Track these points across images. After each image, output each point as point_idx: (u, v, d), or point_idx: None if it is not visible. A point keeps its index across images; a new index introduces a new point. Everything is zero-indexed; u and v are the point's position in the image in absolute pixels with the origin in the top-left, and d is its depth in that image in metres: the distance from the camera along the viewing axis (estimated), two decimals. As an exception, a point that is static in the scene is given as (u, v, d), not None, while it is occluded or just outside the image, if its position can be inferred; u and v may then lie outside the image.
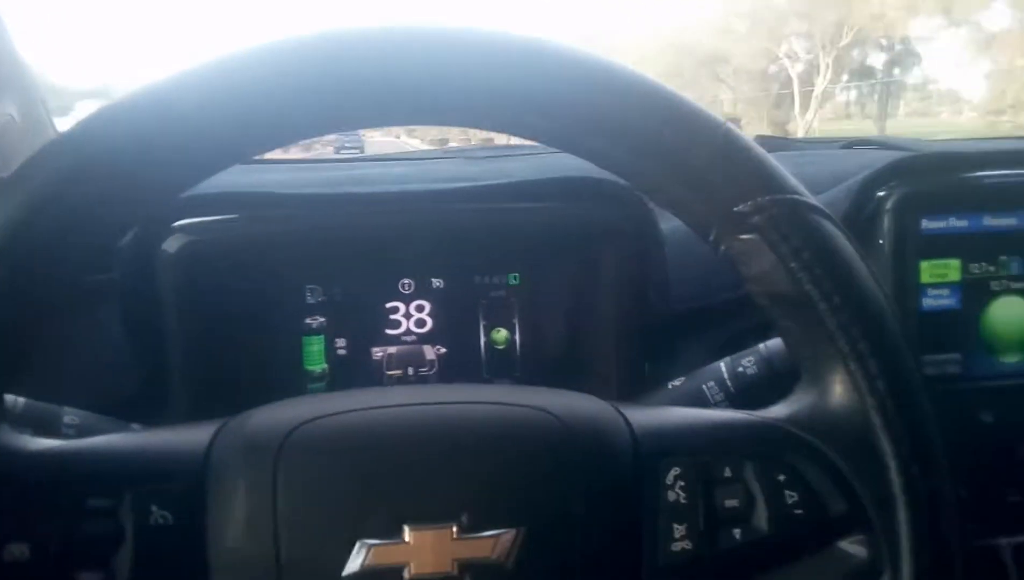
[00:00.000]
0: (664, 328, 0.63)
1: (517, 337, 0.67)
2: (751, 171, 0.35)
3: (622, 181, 0.62)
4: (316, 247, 0.63)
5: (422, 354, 0.66)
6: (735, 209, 0.34)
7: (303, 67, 0.33)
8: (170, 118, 0.32)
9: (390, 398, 0.38)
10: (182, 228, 0.58)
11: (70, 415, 0.46)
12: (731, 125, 0.36)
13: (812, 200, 0.36)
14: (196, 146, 0.33)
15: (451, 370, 0.67)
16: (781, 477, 0.36)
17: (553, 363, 0.67)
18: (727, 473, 0.36)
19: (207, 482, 0.34)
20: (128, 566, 0.33)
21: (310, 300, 0.65)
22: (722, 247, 0.36)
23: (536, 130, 0.36)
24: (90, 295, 0.58)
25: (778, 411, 0.38)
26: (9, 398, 0.44)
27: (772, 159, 0.36)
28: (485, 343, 0.67)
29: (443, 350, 0.67)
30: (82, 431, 0.46)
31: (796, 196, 0.35)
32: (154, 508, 0.33)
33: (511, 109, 0.35)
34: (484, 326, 0.67)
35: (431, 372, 0.67)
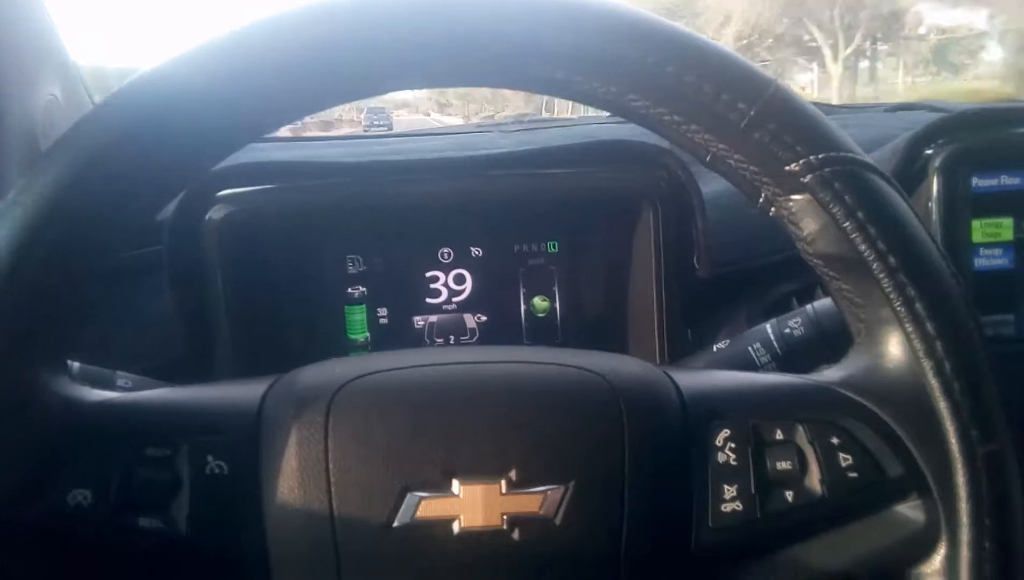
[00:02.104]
0: (706, 292, 0.62)
1: (557, 304, 0.67)
2: (802, 130, 0.34)
3: (661, 144, 0.62)
4: (357, 217, 0.63)
5: (463, 322, 0.67)
6: (786, 169, 0.33)
7: (344, 28, 0.33)
8: (208, 82, 0.32)
9: (440, 357, 0.38)
10: (226, 198, 0.59)
11: (123, 378, 0.47)
12: (781, 83, 0.35)
13: (866, 158, 0.34)
14: (234, 110, 0.33)
15: (491, 338, 0.67)
16: (835, 440, 0.35)
17: (594, 329, 0.66)
18: (778, 436, 0.36)
19: (260, 434, 0.35)
20: (185, 512, 0.33)
21: (352, 270, 0.65)
22: (772, 209, 0.35)
23: (575, 89, 0.36)
24: (138, 265, 0.59)
25: (831, 374, 0.38)
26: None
27: (824, 117, 0.35)
28: (525, 311, 0.67)
29: (483, 318, 0.67)
30: (135, 390, 0.47)
31: (849, 154, 0.34)
32: (210, 458, 0.34)
33: (550, 68, 0.34)
34: (524, 294, 0.67)
35: (472, 340, 0.67)
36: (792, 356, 0.50)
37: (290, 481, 0.34)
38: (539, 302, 0.67)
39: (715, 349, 0.53)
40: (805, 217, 0.34)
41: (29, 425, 0.32)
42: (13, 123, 0.66)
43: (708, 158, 0.35)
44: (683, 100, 0.34)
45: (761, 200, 0.35)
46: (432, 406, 0.35)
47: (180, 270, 0.59)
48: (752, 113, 0.33)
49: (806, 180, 0.33)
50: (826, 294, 0.61)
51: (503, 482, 0.34)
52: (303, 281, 0.64)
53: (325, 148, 0.84)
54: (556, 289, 0.67)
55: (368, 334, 0.66)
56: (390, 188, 0.62)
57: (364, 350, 0.66)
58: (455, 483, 0.34)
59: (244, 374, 0.59)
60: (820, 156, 0.33)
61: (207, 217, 0.58)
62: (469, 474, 0.34)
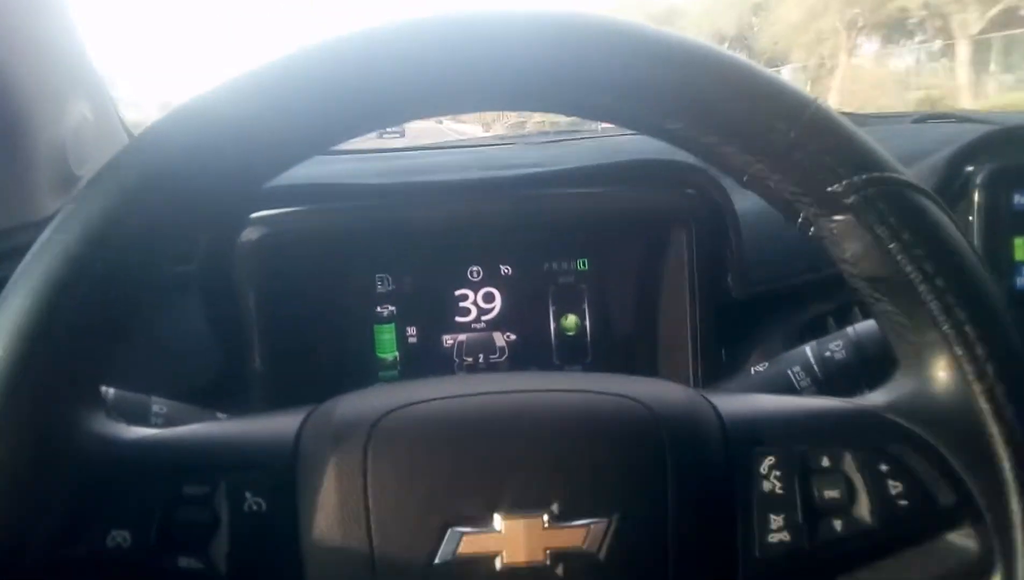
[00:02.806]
0: (740, 312, 0.62)
1: (587, 323, 0.66)
2: (844, 149, 0.33)
3: (695, 162, 0.62)
4: (386, 237, 0.63)
5: (492, 341, 0.66)
6: (827, 190, 0.33)
7: (386, 55, 0.32)
8: (258, 108, 0.32)
9: (476, 386, 0.38)
10: (259, 220, 0.59)
11: (158, 404, 0.47)
12: (821, 101, 0.34)
13: (909, 177, 0.34)
14: (281, 136, 0.33)
15: (521, 357, 0.67)
16: (883, 467, 0.34)
17: (625, 349, 0.66)
18: (825, 463, 0.35)
19: (297, 469, 0.34)
20: (224, 551, 0.33)
21: (381, 289, 0.65)
22: (812, 228, 0.35)
23: (613, 113, 0.35)
24: (172, 286, 0.59)
25: (876, 398, 0.37)
26: (101, 389, 0.45)
27: (865, 136, 0.34)
28: (555, 329, 0.66)
29: (513, 337, 0.66)
30: (170, 420, 0.47)
31: (893, 174, 0.33)
32: (248, 495, 0.33)
33: (587, 92, 0.34)
34: (554, 312, 0.66)
35: (501, 359, 0.67)
36: (833, 380, 0.49)
37: (329, 518, 0.33)
38: (569, 321, 0.66)
39: (752, 372, 0.52)
40: (848, 238, 0.33)
41: (67, 466, 0.32)
42: (43, 143, 0.66)
43: (745, 179, 0.35)
44: (721, 122, 0.33)
45: (800, 220, 0.35)
46: (472, 439, 0.34)
47: (214, 292, 0.59)
48: (792, 134, 0.33)
49: (849, 201, 0.33)
50: (867, 316, 0.60)
51: (545, 516, 0.33)
52: (333, 301, 0.64)
53: (345, 162, 0.84)
54: (586, 307, 0.66)
55: (397, 353, 0.66)
56: (419, 209, 0.62)
57: (393, 369, 0.66)
58: (497, 518, 0.33)
59: (276, 394, 0.61)
60: (863, 176, 0.32)
61: (241, 239, 0.58)
62: (511, 508, 0.33)
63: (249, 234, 0.59)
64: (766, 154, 0.33)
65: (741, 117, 0.33)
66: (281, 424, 0.36)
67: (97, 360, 0.33)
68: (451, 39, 0.33)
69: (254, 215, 0.59)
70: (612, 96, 0.33)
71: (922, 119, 0.97)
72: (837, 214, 0.33)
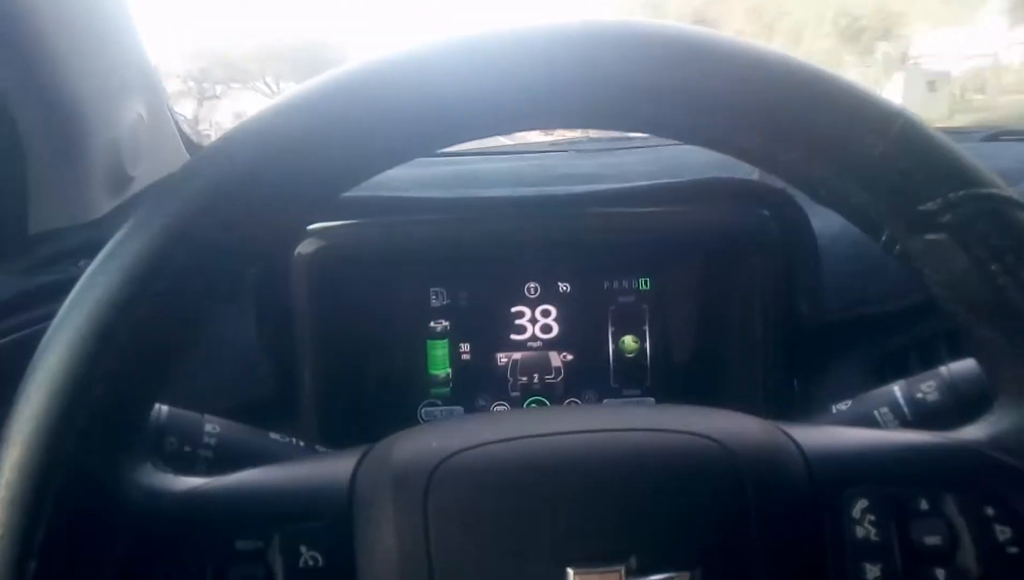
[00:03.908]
0: (814, 341, 0.58)
1: (647, 345, 0.64)
2: (938, 164, 0.30)
3: (770, 182, 0.59)
4: (441, 251, 0.61)
5: (548, 361, 0.64)
6: (920, 208, 0.30)
7: (486, 65, 0.30)
8: (351, 110, 0.30)
9: (542, 424, 0.35)
10: (314, 232, 0.57)
11: (211, 423, 0.45)
12: (910, 113, 0.31)
13: (1013, 194, 0.31)
14: (370, 142, 0.31)
15: (577, 378, 0.64)
16: (989, 510, 0.32)
17: (687, 375, 0.63)
18: (923, 506, 0.32)
19: (355, 519, 0.32)
20: None
21: (435, 304, 0.63)
22: (897, 247, 0.32)
23: (683, 130, 0.33)
24: (226, 299, 0.58)
25: (975, 433, 0.34)
26: (154, 407, 0.44)
27: (961, 150, 0.32)
28: (614, 351, 0.64)
29: (569, 357, 0.64)
30: (222, 441, 0.45)
31: (995, 190, 0.30)
32: (303, 549, 0.31)
33: (655, 107, 0.31)
34: (612, 333, 0.64)
35: (557, 380, 0.64)
36: (923, 424, 0.45)
37: (389, 574, 0.31)
38: (628, 342, 0.64)
39: (834, 410, 0.49)
40: (942, 260, 0.31)
41: (113, 523, 0.30)
42: (99, 142, 0.65)
43: (823, 194, 0.32)
44: (802, 137, 0.31)
45: (884, 238, 0.32)
46: (538, 485, 0.32)
47: (267, 305, 0.58)
48: (881, 148, 0.30)
49: (944, 219, 0.30)
50: (955, 350, 0.56)
51: (622, 570, 0.30)
52: (386, 315, 0.62)
53: (391, 169, 0.82)
54: (647, 329, 0.63)
55: (450, 370, 0.64)
56: (476, 222, 0.60)
57: (445, 386, 0.64)
58: (570, 574, 0.30)
59: (327, 410, 0.59)
60: (960, 193, 0.30)
61: (296, 252, 0.57)
62: (585, 563, 0.30)
63: (305, 247, 0.57)
64: (851, 170, 0.31)
65: (824, 131, 0.30)
66: (334, 468, 0.34)
67: (142, 407, 0.31)
68: (538, 52, 0.31)
69: (311, 227, 0.57)
70: (684, 112, 0.31)
71: (993, 136, 0.92)
72: (930, 233, 0.31)
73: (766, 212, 0.58)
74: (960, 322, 0.32)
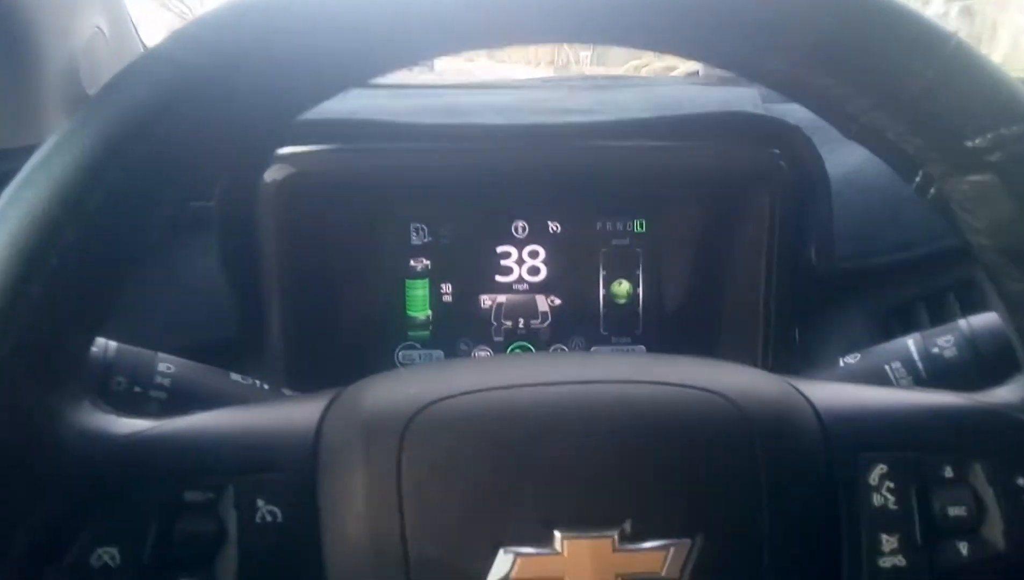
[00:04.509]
0: (819, 291, 0.55)
1: (640, 291, 0.60)
2: (992, 95, 0.27)
3: (785, 120, 0.54)
4: (424, 183, 0.57)
5: (534, 305, 0.61)
6: (966, 144, 0.27)
7: None
8: (296, 23, 0.26)
9: (534, 373, 0.32)
10: (285, 157, 0.53)
11: (165, 362, 0.42)
12: (962, 38, 0.28)
13: None
14: (318, 61, 0.27)
15: (565, 323, 0.61)
16: (1020, 481, 0.30)
17: (681, 324, 0.60)
18: (947, 473, 0.30)
19: (319, 471, 0.29)
20: (232, 569, 0.28)
21: (415, 241, 0.59)
22: (932, 190, 0.29)
23: (702, 47, 0.29)
24: (185, 226, 0.54)
25: (1006, 395, 0.31)
26: (100, 343, 0.40)
27: (1016, 80, 0.28)
28: (604, 296, 0.60)
29: (557, 301, 0.61)
30: (177, 382, 0.41)
31: None
32: (260, 503, 0.28)
33: (680, 26, 0.28)
34: (604, 277, 0.60)
35: (543, 325, 0.61)
36: (938, 381, 0.43)
37: (356, 529, 0.28)
38: (620, 287, 0.60)
39: (841, 363, 0.46)
40: (985, 202, 0.28)
41: (43, 468, 0.27)
42: (54, 58, 0.60)
43: (855, 129, 0.29)
44: (838, 60, 0.27)
45: (918, 179, 0.29)
46: (529, 441, 0.29)
47: (232, 236, 0.53)
48: (929, 74, 0.26)
49: (993, 158, 0.27)
50: (968, 304, 0.53)
51: (616, 535, 0.28)
52: (362, 251, 0.58)
53: (381, 98, 0.77)
54: (640, 274, 0.60)
55: (430, 312, 0.60)
56: (462, 153, 0.56)
57: (425, 329, 0.60)
58: (558, 537, 0.28)
59: (295, 352, 0.55)
60: (1014, 128, 0.26)
61: (264, 178, 0.52)
62: (575, 526, 0.28)
63: (274, 173, 0.52)
64: (891, 98, 0.27)
65: (863, 53, 0.27)
66: (299, 414, 0.31)
67: (77, 339, 0.27)
68: None
69: (280, 152, 0.53)
70: (702, 28, 0.28)
71: None
72: (973, 173, 0.27)
73: (777, 150, 0.53)
74: (995, 274, 0.29)
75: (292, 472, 0.29)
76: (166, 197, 0.27)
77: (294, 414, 0.31)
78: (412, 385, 0.31)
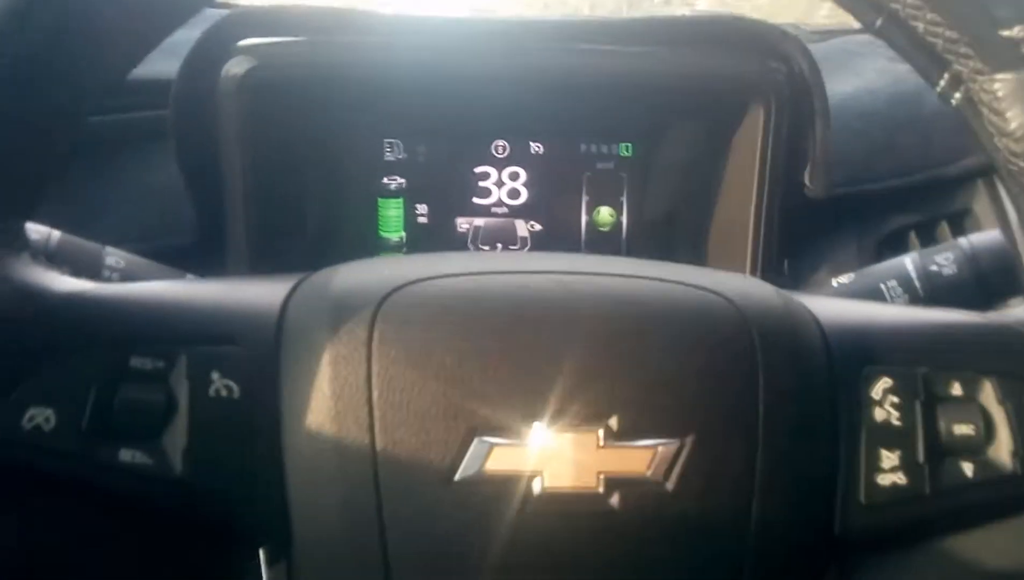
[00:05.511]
0: (811, 216, 0.53)
1: (624, 218, 0.58)
2: None
3: (785, 28, 0.51)
4: (400, 93, 0.53)
5: (513, 229, 0.58)
6: (1002, 33, 0.25)
7: None
8: None
9: (519, 262, 0.30)
10: (247, 49, 0.49)
11: (113, 256, 0.39)
12: None
13: None
14: None
15: (545, 250, 0.58)
16: None
17: (666, 254, 0.57)
18: (955, 391, 0.29)
19: (282, 347, 0.27)
20: (181, 446, 0.26)
21: (389, 157, 0.56)
22: (958, 93, 0.27)
23: None
24: (144, 129, 0.50)
25: (1020, 313, 0.30)
26: (41, 230, 0.37)
27: None
28: (586, 222, 0.58)
29: (537, 226, 0.58)
30: (126, 277, 0.38)
31: None
32: (215, 375, 0.26)
33: None
34: (587, 202, 0.58)
35: (522, 250, 0.58)
36: (935, 299, 0.41)
37: (320, 412, 0.26)
38: (603, 214, 0.58)
39: (835, 284, 0.44)
40: (1017, 102, 0.26)
41: None
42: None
43: (880, 22, 0.27)
44: None
45: (944, 81, 0.27)
46: (511, 326, 0.27)
47: (190, 137, 0.49)
48: None
49: None
50: (960, 230, 0.51)
51: (601, 432, 0.26)
52: (332, 164, 0.55)
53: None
54: (624, 200, 0.57)
55: (404, 233, 0.57)
56: (442, 60, 0.52)
57: (398, 251, 0.58)
58: (538, 428, 0.26)
59: (259, 261, 0.52)
60: None
61: (224, 72, 0.48)
62: (557, 418, 0.26)
63: (234, 67, 0.48)
64: None
65: None
66: (264, 291, 0.29)
67: (16, 183, 0.25)
68: None
69: (241, 43, 0.49)
70: None
71: None
72: (1005, 71, 0.26)
73: (776, 64, 0.51)
74: (1019, 187, 0.28)
75: (252, 347, 0.27)
76: (74, 68, 0.25)
77: (259, 290, 0.29)
78: (387, 268, 0.29)
